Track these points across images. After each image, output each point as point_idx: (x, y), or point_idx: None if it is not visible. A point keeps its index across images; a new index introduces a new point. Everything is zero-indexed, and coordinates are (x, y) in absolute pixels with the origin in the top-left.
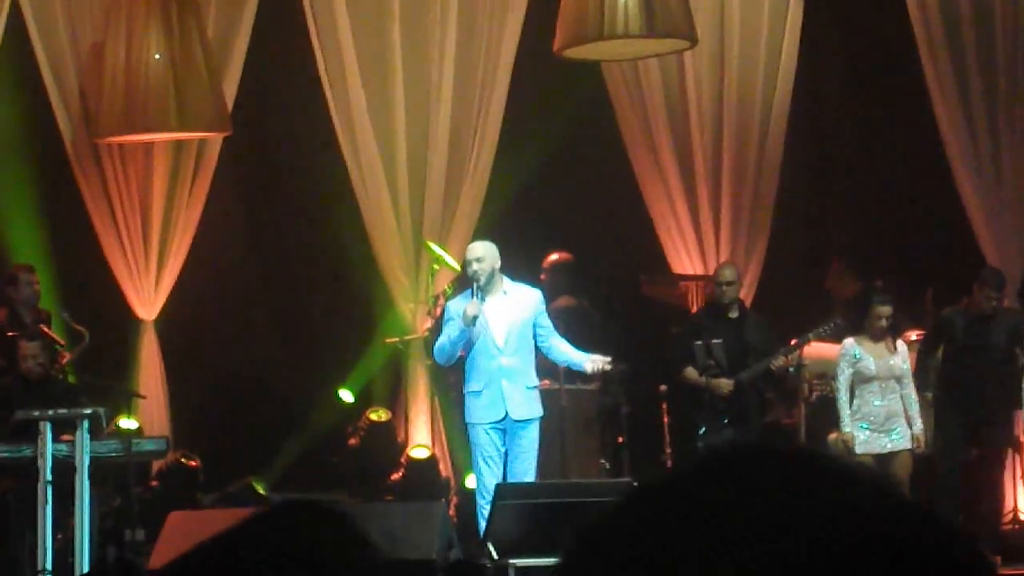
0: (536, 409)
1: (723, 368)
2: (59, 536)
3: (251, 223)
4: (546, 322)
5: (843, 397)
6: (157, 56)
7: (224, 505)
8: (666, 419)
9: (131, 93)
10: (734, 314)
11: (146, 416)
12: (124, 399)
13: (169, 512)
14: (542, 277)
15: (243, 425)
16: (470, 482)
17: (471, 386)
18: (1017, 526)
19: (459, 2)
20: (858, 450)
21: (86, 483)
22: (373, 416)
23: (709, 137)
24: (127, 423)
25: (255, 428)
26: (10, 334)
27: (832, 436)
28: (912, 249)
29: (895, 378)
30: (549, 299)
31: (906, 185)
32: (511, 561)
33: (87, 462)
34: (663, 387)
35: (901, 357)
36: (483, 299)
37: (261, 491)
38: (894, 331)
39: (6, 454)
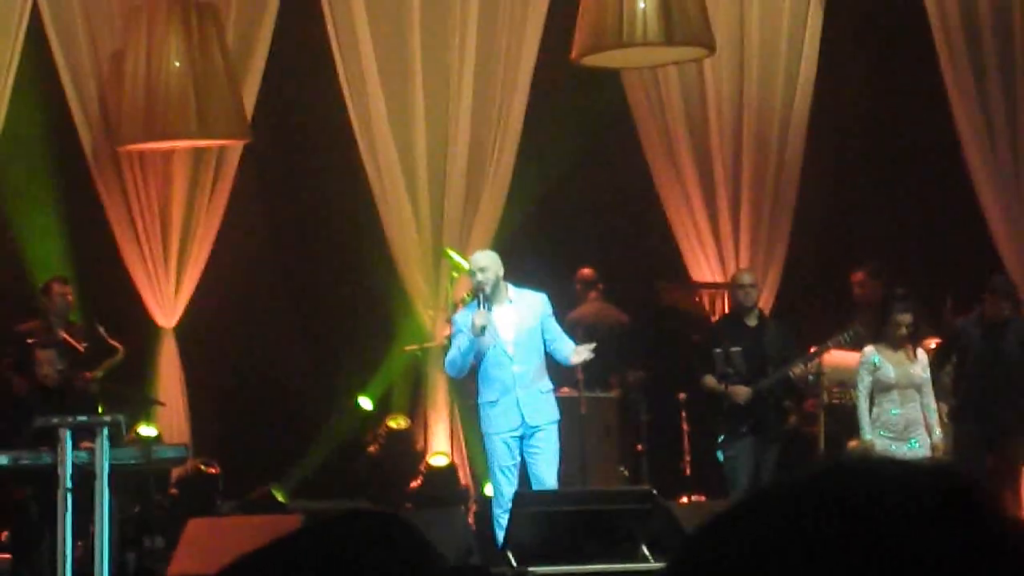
0: (552, 413)
1: (742, 376)
2: (79, 544)
3: (271, 230)
4: (553, 325)
5: (863, 405)
6: (177, 64)
7: (243, 513)
8: (685, 427)
9: (151, 101)
10: (753, 322)
11: (166, 423)
12: (144, 406)
13: (189, 519)
14: (577, 288)
15: (263, 433)
16: (489, 490)
17: (486, 396)
18: None
19: (479, 10)
20: None
21: (106, 490)
22: (392, 424)
23: (728, 144)
24: (147, 430)
25: (275, 435)
26: (29, 341)
27: (852, 444)
28: (932, 256)
29: (915, 387)
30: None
31: (926, 192)
32: (530, 569)
33: (107, 469)
34: (682, 395)
35: (921, 366)
36: (490, 308)
37: (281, 499)
38: (914, 339)
39: (26, 461)
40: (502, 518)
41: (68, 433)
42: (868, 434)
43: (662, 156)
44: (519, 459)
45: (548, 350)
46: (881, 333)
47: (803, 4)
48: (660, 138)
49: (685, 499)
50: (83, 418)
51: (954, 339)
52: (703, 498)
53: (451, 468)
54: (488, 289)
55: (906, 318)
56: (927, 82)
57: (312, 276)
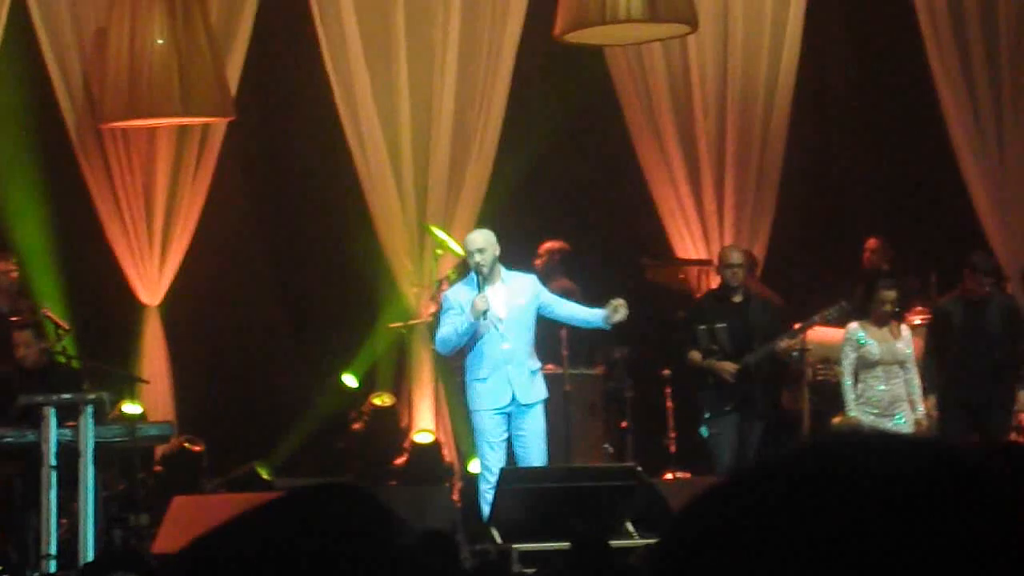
0: (541, 392)
1: (727, 352)
2: (64, 521)
3: (255, 208)
4: (548, 297)
5: (848, 381)
6: (160, 41)
7: (228, 490)
8: (670, 403)
9: (135, 78)
10: (738, 298)
11: (150, 401)
12: (128, 384)
13: (173, 497)
14: (536, 262)
15: (247, 410)
16: (474, 467)
17: (476, 373)
18: None
19: None
20: None
21: (91, 468)
22: (377, 401)
23: (713, 121)
24: (131, 408)
25: (259, 413)
26: (14, 320)
27: (836, 420)
28: (916, 231)
29: (899, 363)
30: (546, 282)
31: (910, 168)
32: (515, 546)
33: (91, 447)
34: (667, 371)
35: (905, 342)
36: (485, 287)
37: (265, 476)
38: (899, 316)
39: (10, 439)
40: (489, 493)
41: (52, 411)
42: (853, 410)
43: (646, 133)
44: (508, 435)
45: (555, 318)
46: (866, 310)
47: None
48: (644, 115)
49: (670, 476)
50: (67, 396)
51: (938, 321)
52: (688, 475)
53: (436, 445)
54: (486, 270)
55: (891, 295)
56: (911, 58)
57: (296, 254)
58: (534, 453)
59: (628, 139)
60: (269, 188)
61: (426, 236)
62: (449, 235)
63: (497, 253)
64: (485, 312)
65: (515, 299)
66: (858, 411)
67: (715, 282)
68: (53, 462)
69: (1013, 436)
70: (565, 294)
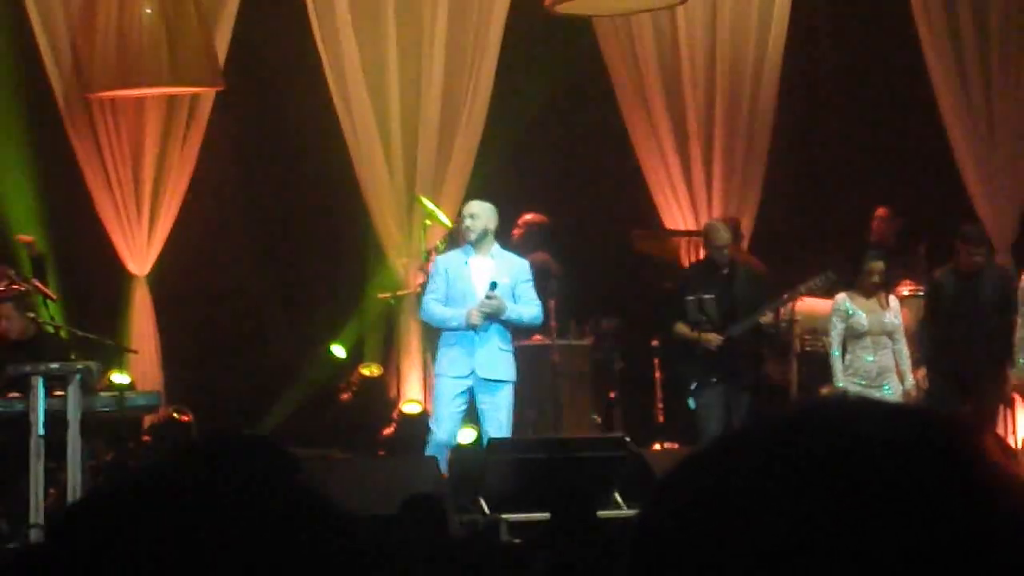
0: (506, 372)
1: (714, 323)
2: (52, 491)
3: (243, 178)
4: (521, 290)
5: (836, 352)
6: (149, 11)
7: None
8: (658, 374)
9: (123, 48)
10: (725, 269)
11: (138, 371)
12: (116, 354)
13: None
14: (515, 232)
15: (235, 380)
16: (463, 437)
17: (446, 339)
18: None
19: None
20: None
21: (78, 438)
22: (365, 371)
23: (701, 92)
24: (119, 378)
25: (247, 384)
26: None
27: (824, 391)
28: (905, 203)
29: (887, 334)
30: (521, 255)
31: (899, 140)
32: (503, 516)
33: (79, 417)
34: (655, 342)
35: (893, 312)
36: (471, 254)
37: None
38: (887, 286)
39: None
40: (434, 451)
41: (40, 381)
42: (841, 381)
43: (635, 105)
44: (464, 408)
45: None
46: (853, 281)
47: None
48: (633, 87)
49: (658, 446)
50: (55, 366)
51: (933, 293)
52: (676, 445)
53: (424, 416)
54: (472, 236)
55: (878, 265)
56: (900, 30)
57: (285, 224)
58: (492, 429)
59: (617, 110)
60: (258, 159)
61: (415, 207)
62: (438, 206)
63: (491, 227)
64: (476, 327)
65: (499, 277)
66: (846, 382)
67: (703, 253)
68: (41, 432)
69: (1002, 409)
70: (541, 267)
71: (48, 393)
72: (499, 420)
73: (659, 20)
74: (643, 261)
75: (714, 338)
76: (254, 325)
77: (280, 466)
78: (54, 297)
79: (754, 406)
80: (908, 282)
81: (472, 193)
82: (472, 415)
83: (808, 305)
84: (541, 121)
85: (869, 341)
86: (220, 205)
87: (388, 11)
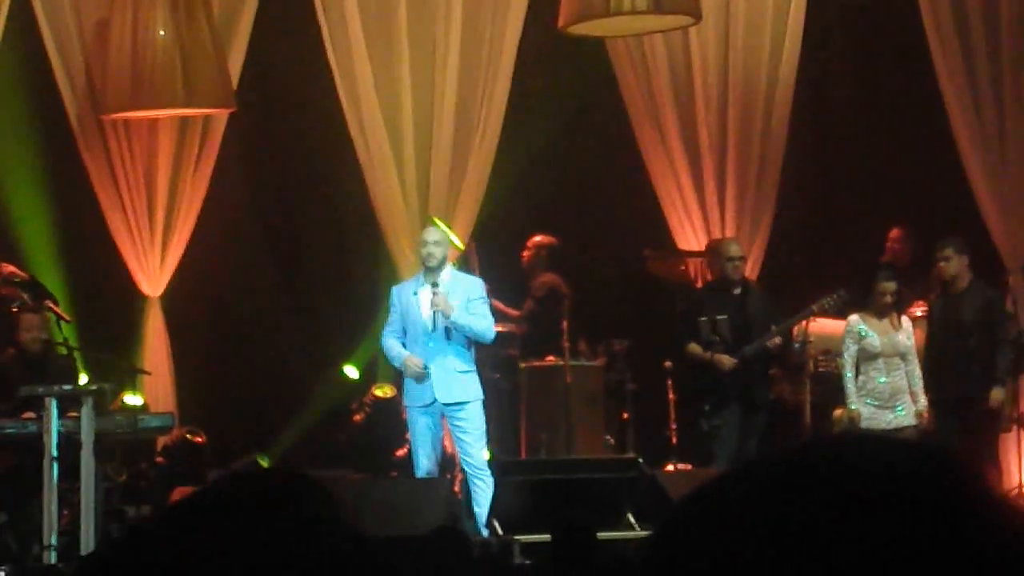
0: (469, 392)
1: (728, 344)
2: (65, 512)
3: (256, 199)
4: (477, 307)
5: (848, 374)
6: (163, 32)
7: None
8: (671, 395)
9: (137, 69)
10: (738, 290)
11: (152, 392)
12: (130, 375)
13: (175, 488)
14: (524, 254)
15: (249, 401)
16: None
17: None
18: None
19: None
20: (863, 426)
21: (91, 459)
22: (378, 392)
23: (714, 113)
24: (133, 399)
25: (260, 404)
26: (14, 309)
27: (838, 412)
28: (918, 222)
29: (899, 355)
30: (530, 276)
31: (912, 158)
32: (516, 537)
33: (92, 438)
34: (668, 363)
35: (906, 333)
36: (420, 284)
37: (267, 467)
38: (899, 307)
39: (11, 430)
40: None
41: (54, 402)
42: (854, 403)
43: (648, 125)
44: (438, 433)
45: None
46: (865, 302)
47: None
48: (646, 107)
49: (671, 467)
50: (68, 387)
51: (927, 317)
52: (689, 466)
53: None
54: (434, 263)
55: (890, 286)
56: (913, 50)
57: (298, 245)
58: (471, 451)
59: (630, 130)
60: (271, 180)
61: (428, 226)
62: (451, 228)
63: (446, 255)
64: (418, 378)
65: (451, 297)
66: (859, 403)
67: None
68: (54, 453)
69: (1016, 429)
70: (549, 288)
71: (62, 414)
72: (472, 437)
73: (672, 41)
74: (656, 282)
75: (727, 361)
76: (267, 346)
77: (326, 505)
78: (67, 318)
79: (768, 427)
80: (921, 303)
81: (485, 214)
82: None
83: (821, 325)
84: (554, 141)
85: (882, 362)
86: (233, 226)
87: (401, 34)
